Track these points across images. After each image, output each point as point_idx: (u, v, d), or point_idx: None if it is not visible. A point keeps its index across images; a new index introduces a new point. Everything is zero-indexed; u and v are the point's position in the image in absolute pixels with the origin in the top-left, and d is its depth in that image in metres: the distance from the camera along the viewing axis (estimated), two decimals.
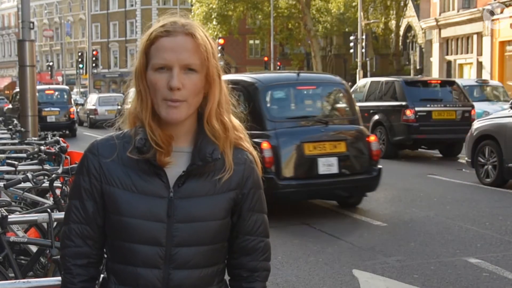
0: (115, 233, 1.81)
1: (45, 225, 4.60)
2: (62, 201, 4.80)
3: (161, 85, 1.73)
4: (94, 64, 39.37)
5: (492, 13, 27.18)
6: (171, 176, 1.79)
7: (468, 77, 30.71)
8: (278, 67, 47.72)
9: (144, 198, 1.78)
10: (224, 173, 1.80)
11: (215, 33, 43.15)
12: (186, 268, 1.78)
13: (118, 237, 1.80)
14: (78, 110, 29.22)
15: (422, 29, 37.39)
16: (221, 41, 36.50)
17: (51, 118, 22.20)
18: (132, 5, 70.23)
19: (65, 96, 23.82)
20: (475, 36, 29.44)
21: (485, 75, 28.38)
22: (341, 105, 9.45)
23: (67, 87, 27.04)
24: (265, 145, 7.86)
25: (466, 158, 11.57)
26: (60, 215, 4.05)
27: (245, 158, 1.86)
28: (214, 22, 43.76)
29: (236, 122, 1.87)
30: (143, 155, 1.76)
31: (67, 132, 22.97)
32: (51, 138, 7.84)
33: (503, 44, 27.60)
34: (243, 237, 1.88)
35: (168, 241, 1.77)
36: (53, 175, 4.86)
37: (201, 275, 1.80)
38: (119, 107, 23.57)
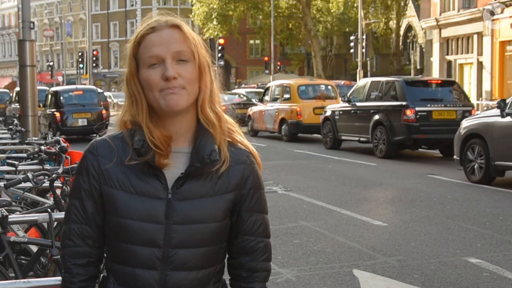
0: (113, 233, 1.81)
1: (45, 225, 4.61)
2: (63, 201, 4.80)
3: (155, 79, 1.73)
4: (94, 64, 39.35)
5: (492, 13, 27.14)
6: (170, 178, 1.79)
7: (468, 77, 30.74)
8: (278, 67, 47.69)
9: (143, 200, 1.77)
10: (221, 165, 1.80)
11: (216, 33, 43.14)
12: (183, 269, 1.78)
13: (116, 238, 1.80)
14: None
15: (422, 29, 37.35)
16: (222, 41, 36.44)
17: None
18: (132, 5, 70.21)
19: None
20: (475, 36, 29.40)
21: (486, 75, 28.37)
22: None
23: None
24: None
25: (455, 156, 11.84)
26: (61, 215, 4.05)
27: (245, 158, 1.86)
28: (215, 22, 43.74)
29: (227, 116, 1.87)
30: (141, 158, 1.76)
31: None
32: (52, 138, 7.84)
33: (503, 44, 27.56)
34: (242, 237, 1.87)
35: (165, 242, 1.77)
36: (54, 175, 4.86)
37: (198, 276, 1.80)
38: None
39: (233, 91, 32.85)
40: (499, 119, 10.70)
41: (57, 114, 20.38)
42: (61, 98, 20.85)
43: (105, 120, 20.53)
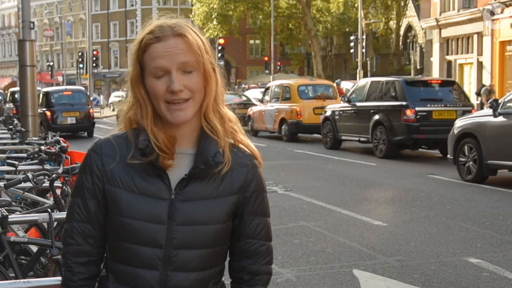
0: (115, 233, 1.81)
1: (45, 225, 4.61)
2: (63, 201, 4.80)
3: (161, 90, 1.73)
4: (94, 64, 39.37)
5: (492, 13, 27.14)
6: (173, 178, 1.79)
7: (468, 77, 30.75)
8: (278, 67, 47.67)
9: (146, 200, 1.77)
10: (223, 166, 1.80)
11: (216, 33, 43.13)
12: (184, 270, 1.78)
13: (118, 237, 1.80)
14: None
15: (422, 29, 37.35)
16: (222, 41, 36.43)
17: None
18: (132, 5, 70.19)
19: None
20: (475, 36, 29.40)
21: (486, 75, 28.36)
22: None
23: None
24: None
25: (448, 156, 12.06)
26: (61, 215, 4.05)
27: (249, 162, 1.86)
28: (215, 22, 43.74)
29: (230, 113, 1.87)
30: (145, 158, 1.76)
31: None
32: (52, 138, 7.84)
33: (503, 44, 27.56)
34: (245, 240, 1.87)
35: (167, 243, 1.77)
36: (54, 175, 4.86)
37: (198, 277, 1.80)
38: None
39: (245, 93, 32.44)
40: (492, 118, 10.92)
41: (48, 113, 22.02)
42: (52, 98, 22.59)
43: (92, 119, 22.83)
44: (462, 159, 11.45)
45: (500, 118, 10.74)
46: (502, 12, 26.83)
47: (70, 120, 22.30)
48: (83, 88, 26.04)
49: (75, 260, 1.84)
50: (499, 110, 10.76)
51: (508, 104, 10.80)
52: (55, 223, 4.18)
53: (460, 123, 11.76)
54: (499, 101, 10.99)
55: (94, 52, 40.72)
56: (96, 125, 23.79)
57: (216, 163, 1.78)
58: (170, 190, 1.78)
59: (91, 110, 22.99)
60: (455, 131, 11.71)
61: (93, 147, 1.85)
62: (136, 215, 1.77)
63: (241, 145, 1.87)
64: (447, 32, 31.40)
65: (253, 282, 1.89)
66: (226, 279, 1.94)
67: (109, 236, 1.84)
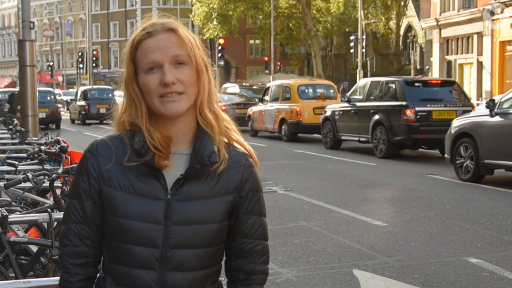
0: (112, 233, 1.81)
1: (45, 225, 4.61)
2: (63, 201, 4.79)
3: (154, 84, 1.74)
4: (94, 64, 39.39)
5: (492, 13, 27.14)
6: (169, 179, 1.79)
7: (468, 77, 30.74)
8: (278, 67, 47.67)
9: (142, 200, 1.78)
10: (219, 165, 1.80)
11: (216, 33, 43.12)
12: (181, 270, 1.78)
13: (115, 238, 1.80)
14: None
15: (422, 29, 37.36)
16: (222, 41, 36.44)
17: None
18: (132, 5, 70.19)
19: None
20: (475, 36, 29.40)
21: (486, 75, 28.37)
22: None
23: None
24: None
25: (445, 155, 12.15)
26: (61, 215, 4.05)
27: (244, 161, 1.86)
28: (215, 22, 43.73)
29: (224, 114, 1.88)
30: (141, 158, 1.76)
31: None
32: (51, 138, 7.83)
33: (503, 44, 27.56)
34: (240, 240, 1.87)
35: (164, 243, 1.77)
36: (54, 175, 4.86)
37: (195, 277, 1.80)
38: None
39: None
40: (488, 118, 10.98)
41: None
42: None
43: (58, 114, 28.33)
44: (459, 159, 11.50)
45: (497, 118, 10.79)
46: (502, 12, 26.84)
47: (41, 115, 26.79)
48: (52, 89, 32.19)
49: (72, 262, 1.84)
50: (495, 110, 10.82)
51: (505, 104, 10.84)
52: (55, 223, 4.18)
53: (457, 122, 11.82)
54: (496, 101, 11.05)
55: (94, 52, 40.75)
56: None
57: (212, 163, 1.78)
58: (166, 190, 1.78)
59: (58, 108, 28.76)
60: (452, 131, 11.78)
61: (89, 148, 1.85)
62: (133, 216, 1.77)
63: (236, 144, 1.88)
64: (447, 32, 31.40)
65: (249, 281, 1.89)
66: (224, 279, 1.94)
67: (106, 237, 1.84)
